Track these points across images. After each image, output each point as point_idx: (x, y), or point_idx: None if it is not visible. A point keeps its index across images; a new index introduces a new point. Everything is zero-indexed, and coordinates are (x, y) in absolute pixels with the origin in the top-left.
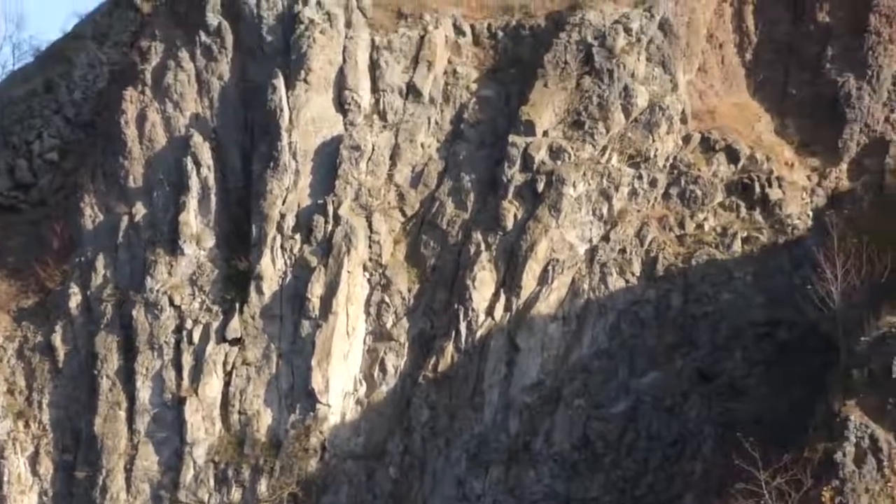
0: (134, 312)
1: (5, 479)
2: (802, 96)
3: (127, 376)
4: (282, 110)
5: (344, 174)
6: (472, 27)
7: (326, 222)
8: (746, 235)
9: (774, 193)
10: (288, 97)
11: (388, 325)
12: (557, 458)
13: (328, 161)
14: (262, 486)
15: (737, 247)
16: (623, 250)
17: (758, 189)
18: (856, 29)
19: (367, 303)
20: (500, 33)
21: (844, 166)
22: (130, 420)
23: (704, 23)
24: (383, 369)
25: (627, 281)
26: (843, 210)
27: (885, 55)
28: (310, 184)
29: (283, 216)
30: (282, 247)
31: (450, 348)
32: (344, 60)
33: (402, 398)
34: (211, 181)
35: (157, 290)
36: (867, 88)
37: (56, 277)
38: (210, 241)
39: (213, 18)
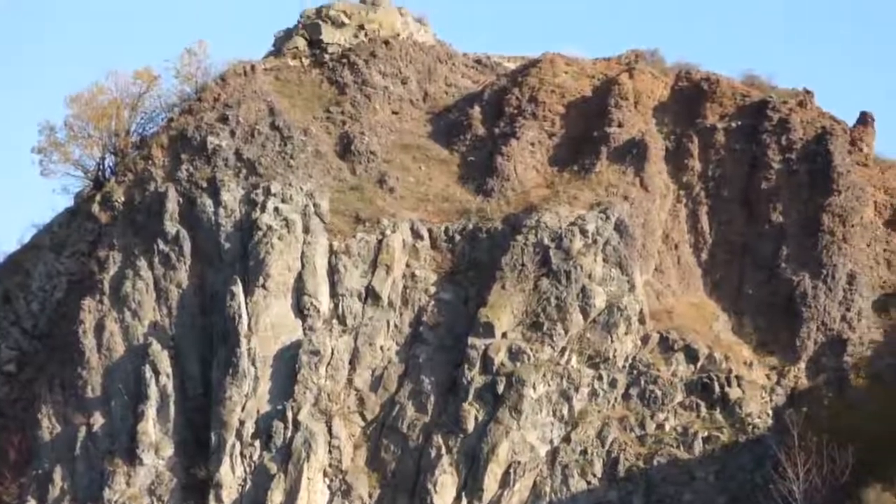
0: None
1: None
2: (758, 295)
3: None
4: (240, 316)
5: (303, 379)
6: (430, 231)
7: (286, 428)
8: (707, 435)
9: (734, 392)
10: (247, 303)
11: None
12: None
13: (287, 366)
14: None
15: (698, 446)
16: (584, 451)
17: (717, 388)
18: (809, 229)
19: None
20: (458, 236)
21: (803, 365)
22: None
23: (660, 224)
24: None
25: (589, 482)
26: (803, 408)
27: (839, 254)
28: (269, 389)
29: (242, 423)
30: (241, 454)
31: None
32: (302, 266)
33: None
34: (170, 389)
35: (116, 501)
36: (822, 287)
37: (13, 491)
38: (169, 450)
39: (171, 226)
